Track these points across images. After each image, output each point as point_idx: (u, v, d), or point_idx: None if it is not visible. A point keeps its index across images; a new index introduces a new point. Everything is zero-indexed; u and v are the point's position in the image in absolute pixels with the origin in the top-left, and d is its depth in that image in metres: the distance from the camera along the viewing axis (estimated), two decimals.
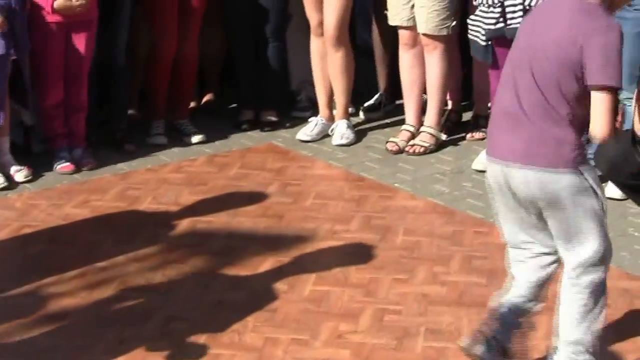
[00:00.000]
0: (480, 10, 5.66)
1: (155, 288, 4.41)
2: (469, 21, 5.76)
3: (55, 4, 5.62)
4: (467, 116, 6.63)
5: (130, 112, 6.53)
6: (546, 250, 3.51)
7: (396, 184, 5.65)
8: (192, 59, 6.43)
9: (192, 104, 6.80)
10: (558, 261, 3.51)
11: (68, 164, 5.84)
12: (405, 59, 6.26)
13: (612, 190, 5.29)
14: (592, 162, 5.33)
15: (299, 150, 6.24)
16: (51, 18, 5.67)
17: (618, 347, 3.85)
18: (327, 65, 6.40)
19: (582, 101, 3.30)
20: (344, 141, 6.30)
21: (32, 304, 4.25)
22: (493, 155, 3.46)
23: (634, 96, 4.31)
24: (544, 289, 3.55)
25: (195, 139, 6.35)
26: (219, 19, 6.68)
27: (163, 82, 6.35)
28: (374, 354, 3.85)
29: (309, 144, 6.33)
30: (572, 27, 3.26)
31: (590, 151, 5.35)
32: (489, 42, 5.70)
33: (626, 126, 4.71)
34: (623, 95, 5.12)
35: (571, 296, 3.42)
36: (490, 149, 3.49)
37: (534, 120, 3.32)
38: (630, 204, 5.20)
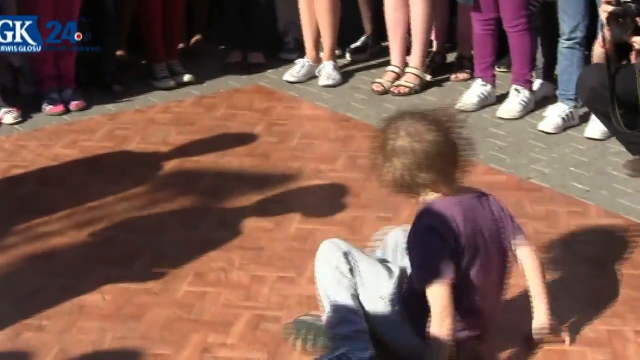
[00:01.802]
0: None
1: (143, 227, 4.34)
2: None
3: None
4: (451, 57, 6.56)
5: (118, 53, 6.43)
6: None
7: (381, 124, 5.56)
8: None
9: (180, 46, 6.70)
10: None
11: (57, 105, 5.75)
12: (390, 1, 6.15)
13: (592, 130, 5.27)
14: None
15: (285, 91, 6.17)
16: None
17: (597, 282, 3.81)
18: (314, 6, 6.29)
19: None
20: (330, 82, 6.23)
21: (21, 244, 4.18)
22: None
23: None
24: None
25: (186, 77, 6.27)
26: None
27: (157, 20, 6.22)
28: None
29: (296, 85, 6.26)
30: None
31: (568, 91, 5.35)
32: None
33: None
34: None
35: None
36: None
37: None
38: (610, 143, 5.16)
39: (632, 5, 4.27)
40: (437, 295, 3.02)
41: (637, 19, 4.28)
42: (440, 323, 3.02)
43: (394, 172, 3.08)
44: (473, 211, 3.14)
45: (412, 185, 3.09)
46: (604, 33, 4.45)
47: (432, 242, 3.05)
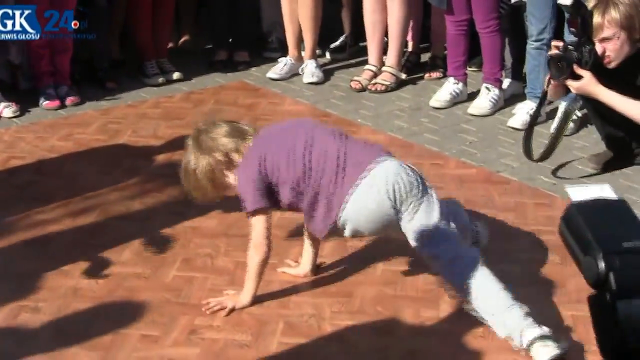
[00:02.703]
0: None
1: (134, 215, 4.32)
2: None
3: None
4: (425, 57, 6.55)
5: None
6: None
7: (359, 120, 5.56)
8: None
9: (170, 45, 6.66)
10: None
11: (54, 100, 5.71)
12: (368, 3, 6.13)
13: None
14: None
15: (269, 87, 6.15)
16: None
17: (563, 270, 3.81)
18: (296, 8, 6.27)
19: None
20: (315, 79, 6.21)
21: (18, 230, 4.15)
22: None
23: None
24: None
25: (175, 75, 6.24)
26: None
27: (146, 19, 6.18)
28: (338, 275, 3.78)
29: (279, 82, 6.23)
30: None
31: None
32: None
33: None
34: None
35: None
36: None
37: None
38: (575, 139, 5.17)
39: (574, 53, 4.34)
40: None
41: (574, 65, 4.34)
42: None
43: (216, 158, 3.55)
44: None
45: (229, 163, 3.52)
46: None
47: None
